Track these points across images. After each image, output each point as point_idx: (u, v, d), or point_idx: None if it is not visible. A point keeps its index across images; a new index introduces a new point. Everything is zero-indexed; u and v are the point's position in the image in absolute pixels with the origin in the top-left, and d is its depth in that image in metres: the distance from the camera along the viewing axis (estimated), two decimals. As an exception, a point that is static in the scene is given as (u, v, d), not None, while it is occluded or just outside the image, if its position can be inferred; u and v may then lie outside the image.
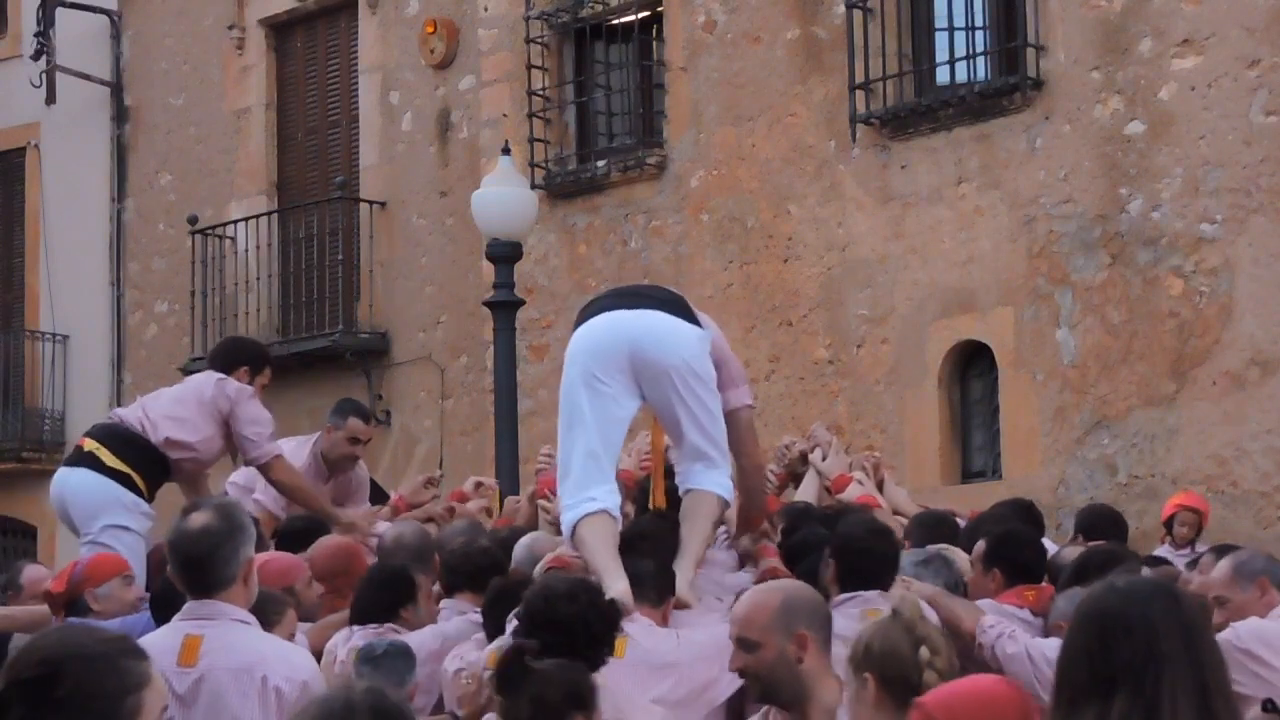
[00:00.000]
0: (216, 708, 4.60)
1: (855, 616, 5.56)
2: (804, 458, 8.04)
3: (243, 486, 8.78)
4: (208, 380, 8.34)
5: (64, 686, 2.85)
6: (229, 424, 8.19)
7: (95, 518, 7.95)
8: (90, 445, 8.11)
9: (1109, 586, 2.97)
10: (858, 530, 6.05)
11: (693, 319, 6.54)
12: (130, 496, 7.96)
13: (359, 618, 6.40)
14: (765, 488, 7.11)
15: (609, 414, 6.36)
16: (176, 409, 8.27)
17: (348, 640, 6.25)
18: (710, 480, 6.46)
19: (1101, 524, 8.33)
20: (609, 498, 6.29)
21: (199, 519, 4.74)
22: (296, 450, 8.79)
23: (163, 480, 8.18)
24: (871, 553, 5.84)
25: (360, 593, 6.52)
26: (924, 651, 3.99)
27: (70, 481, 8.09)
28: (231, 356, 8.56)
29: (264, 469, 8.33)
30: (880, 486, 7.92)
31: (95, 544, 7.80)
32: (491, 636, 5.93)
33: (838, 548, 5.92)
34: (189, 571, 4.77)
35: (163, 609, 5.98)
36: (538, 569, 6.38)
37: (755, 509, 6.82)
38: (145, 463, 8.06)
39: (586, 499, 6.23)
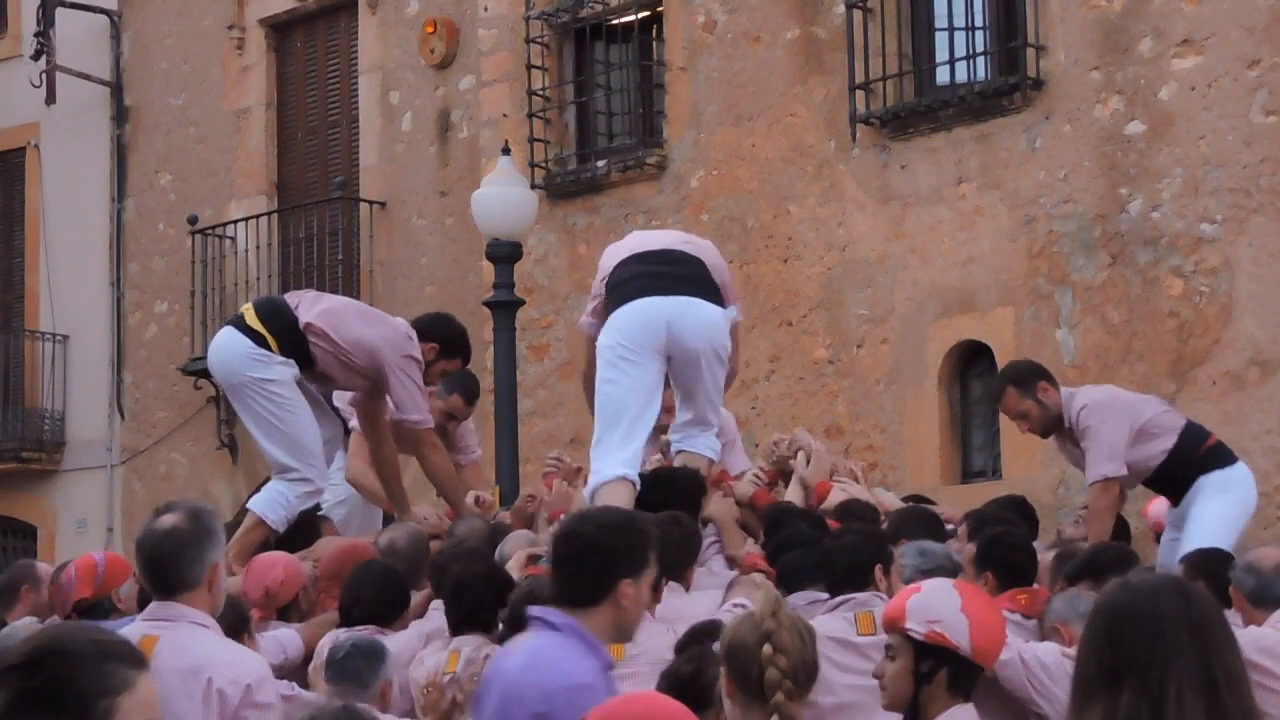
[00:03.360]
0: (163, 710, 4.57)
1: (849, 619, 5.58)
2: (794, 454, 8.06)
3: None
4: (402, 329, 8.29)
5: (40, 677, 2.84)
6: (383, 374, 8.10)
7: (229, 375, 8.10)
8: (244, 308, 8.36)
9: (1122, 583, 3.02)
10: (834, 535, 6.12)
11: (714, 289, 7.42)
12: (258, 350, 8.00)
13: (348, 620, 6.38)
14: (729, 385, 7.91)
15: (640, 382, 7.24)
16: (350, 312, 8.33)
17: (334, 643, 6.22)
18: (702, 444, 7.48)
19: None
20: (630, 464, 7.11)
21: (168, 520, 4.69)
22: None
23: (303, 360, 8.09)
24: (844, 552, 5.84)
25: (350, 595, 6.48)
26: (767, 649, 4.01)
27: (214, 345, 8.28)
28: (430, 328, 8.50)
29: (414, 436, 8.23)
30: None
31: (248, 398, 8.03)
32: (455, 630, 5.95)
33: (819, 554, 5.96)
34: (153, 572, 4.73)
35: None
36: (513, 569, 6.45)
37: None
38: (284, 331, 8.07)
39: (610, 463, 7.10)
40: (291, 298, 8.42)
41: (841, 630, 5.53)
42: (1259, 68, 11.84)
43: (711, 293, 7.43)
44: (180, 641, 4.58)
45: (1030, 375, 8.35)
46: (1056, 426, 8.30)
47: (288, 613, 6.87)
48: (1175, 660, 2.86)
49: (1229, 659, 2.93)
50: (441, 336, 8.47)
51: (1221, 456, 8.28)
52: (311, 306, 8.20)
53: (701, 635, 5.07)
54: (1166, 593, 2.96)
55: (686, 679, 4.68)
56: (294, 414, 8.07)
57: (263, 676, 4.68)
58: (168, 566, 4.67)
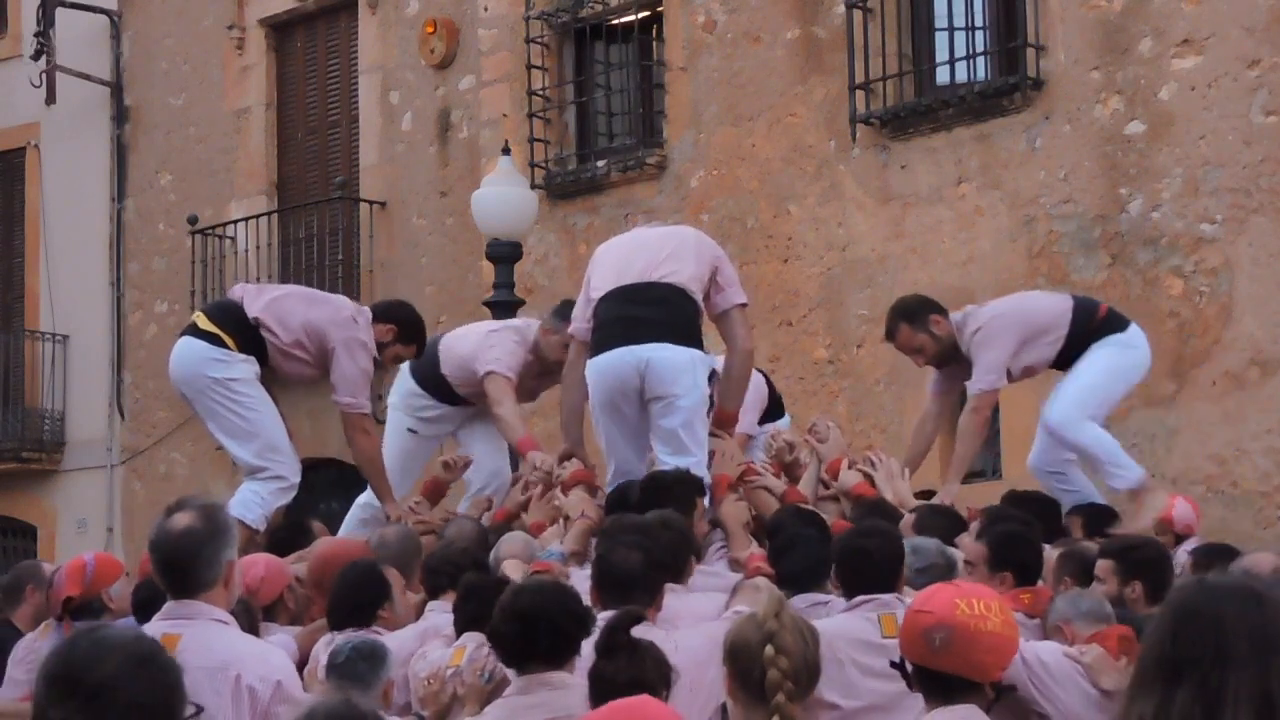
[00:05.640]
0: None
1: (873, 620, 5.55)
2: (791, 447, 8.09)
3: (465, 363, 8.65)
4: (346, 311, 8.32)
5: (128, 692, 2.88)
6: (331, 357, 8.16)
7: (191, 381, 8.08)
8: (195, 314, 8.37)
9: (1198, 581, 2.94)
10: (856, 535, 6.07)
11: (689, 326, 7.56)
12: (217, 350, 8.02)
13: (335, 623, 6.39)
14: (748, 375, 8.09)
15: (634, 429, 7.61)
16: (294, 299, 8.33)
17: (328, 646, 6.22)
18: None
19: (1102, 524, 8.27)
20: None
21: (181, 520, 4.67)
22: (509, 343, 8.62)
23: (259, 355, 8.11)
24: (866, 552, 5.80)
25: (333, 597, 6.50)
26: (768, 650, 4.01)
27: (173, 354, 8.25)
28: (389, 312, 8.55)
29: (344, 419, 8.26)
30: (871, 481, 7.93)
31: (212, 401, 8.03)
32: (460, 632, 5.95)
33: (838, 553, 5.92)
34: (170, 573, 4.71)
35: (146, 610, 6.01)
36: (512, 571, 6.47)
37: (732, 397, 7.92)
38: (238, 327, 8.09)
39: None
40: (236, 292, 8.44)
41: (865, 632, 5.50)
42: (1259, 68, 11.84)
43: (683, 332, 7.57)
44: (204, 639, 4.57)
45: (921, 309, 8.46)
46: (952, 356, 8.38)
47: (273, 612, 6.86)
48: (1234, 667, 2.77)
49: None
50: (400, 320, 8.51)
51: (1115, 323, 8.41)
52: (256, 299, 8.21)
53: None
54: (1237, 597, 2.85)
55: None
56: (259, 413, 8.09)
57: (291, 672, 4.68)
58: (186, 568, 4.66)
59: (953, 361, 8.43)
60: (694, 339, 7.60)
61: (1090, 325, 8.33)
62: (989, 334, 8.20)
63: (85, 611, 6.79)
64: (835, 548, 5.98)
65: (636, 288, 7.65)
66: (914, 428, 8.80)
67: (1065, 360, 8.36)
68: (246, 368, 8.06)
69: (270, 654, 4.72)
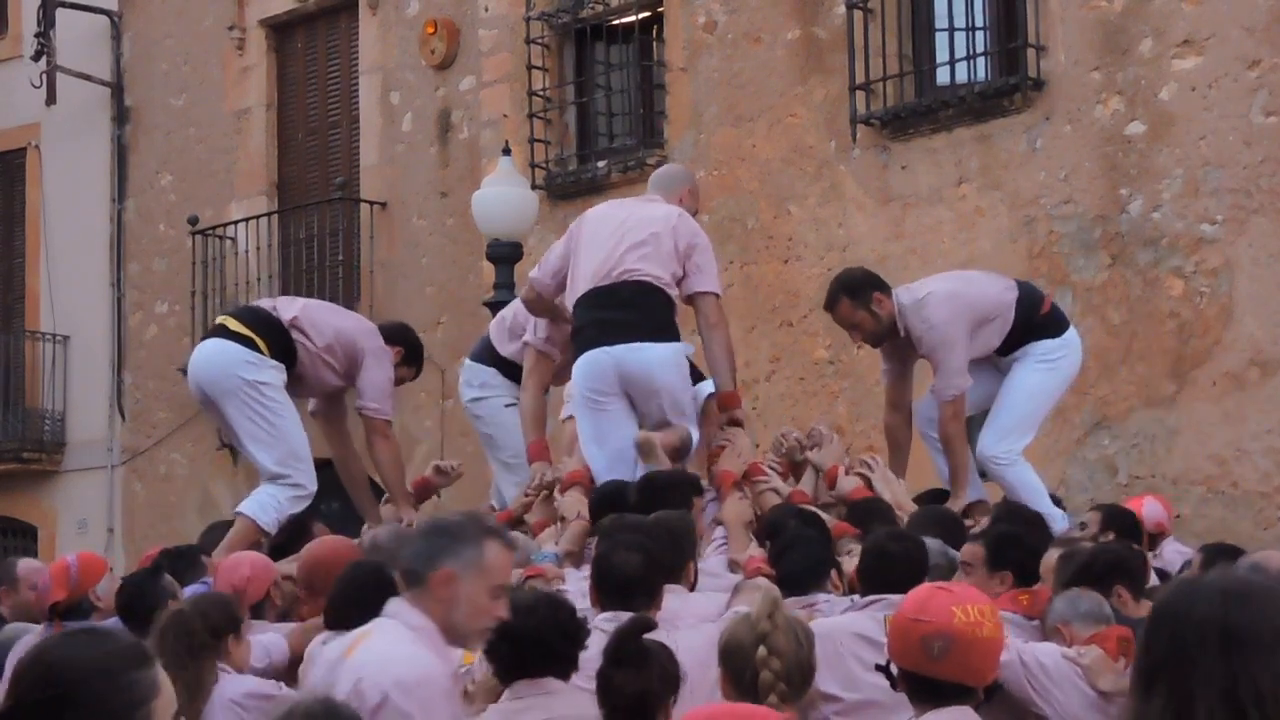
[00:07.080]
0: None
1: (879, 620, 5.57)
2: (801, 447, 8.10)
3: (508, 328, 8.67)
4: (368, 323, 8.59)
5: (74, 708, 2.78)
6: (357, 366, 8.33)
7: (220, 381, 8.14)
8: (222, 319, 8.48)
9: (1179, 582, 2.85)
10: (881, 535, 6.11)
11: (664, 322, 7.65)
12: (251, 353, 8.12)
13: (333, 622, 6.36)
14: (725, 347, 7.89)
15: (618, 433, 7.63)
16: (323, 308, 8.58)
17: (323, 644, 6.20)
18: None
19: (1122, 525, 8.26)
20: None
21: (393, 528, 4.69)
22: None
23: (289, 359, 8.22)
24: (893, 556, 5.83)
25: (334, 596, 6.48)
26: (761, 650, 4.01)
27: (199, 355, 8.32)
28: (395, 334, 8.73)
29: (369, 424, 8.43)
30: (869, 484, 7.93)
31: (240, 403, 8.09)
32: None
33: (864, 553, 5.95)
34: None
35: (128, 612, 6.09)
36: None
37: (721, 376, 7.90)
38: (270, 332, 8.19)
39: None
40: (265, 301, 8.63)
41: (871, 630, 5.52)
42: (1259, 68, 11.84)
43: (656, 328, 7.67)
44: (370, 643, 4.45)
45: (864, 285, 8.29)
46: (889, 335, 8.31)
47: (261, 610, 6.86)
48: (1200, 669, 2.62)
49: (1265, 677, 2.62)
50: (406, 343, 8.76)
51: (1055, 324, 8.41)
52: (289, 306, 8.41)
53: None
54: (1205, 595, 2.69)
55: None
56: (285, 419, 8.19)
57: (409, 687, 4.33)
58: (403, 554, 4.66)
59: (890, 339, 8.36)
60: (668, 333, 7.70)
61: (1033, 319, 8.32)
62: (943, 338, 8.13)
63: (74, 612, 6.82)
64: (863, 548, 6.02)
65: (607, 290, 7.71)
66: (887, 431, 8.73)
67: (1007, 347, 8.36)
68: (276, 374, 8.18)
69: (393, 667, 4.37)
